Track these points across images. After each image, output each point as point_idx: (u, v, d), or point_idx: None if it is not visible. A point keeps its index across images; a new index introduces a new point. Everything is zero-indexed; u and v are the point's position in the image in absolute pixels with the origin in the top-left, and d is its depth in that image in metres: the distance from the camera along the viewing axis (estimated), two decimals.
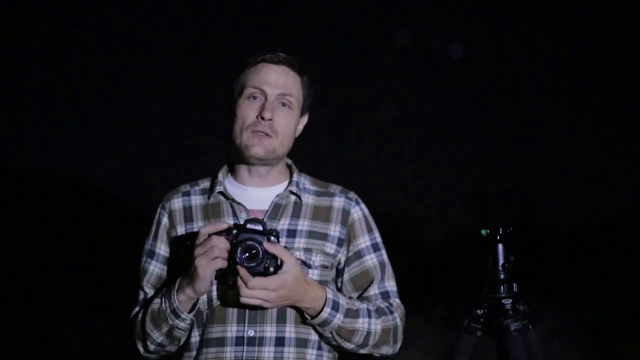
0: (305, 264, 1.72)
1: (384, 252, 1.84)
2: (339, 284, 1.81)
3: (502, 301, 2.12)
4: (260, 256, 1.56)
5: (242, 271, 1.55)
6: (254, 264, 1.56)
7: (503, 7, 8.40)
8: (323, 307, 1.65)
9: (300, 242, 1.74)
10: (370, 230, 1.83)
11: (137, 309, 1.78)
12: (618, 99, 8.61)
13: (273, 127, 1.72)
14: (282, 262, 1.58)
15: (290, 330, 1.69)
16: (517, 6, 8.40)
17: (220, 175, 1.82)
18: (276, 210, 1.77)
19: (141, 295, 1.79)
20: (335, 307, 1.66)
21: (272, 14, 7.96)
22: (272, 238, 1.60)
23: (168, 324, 1.65)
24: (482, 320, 2.14)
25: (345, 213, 1.81)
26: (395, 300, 1.80)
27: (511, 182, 8.15)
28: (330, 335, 1.69)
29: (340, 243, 1.79)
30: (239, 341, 1.67)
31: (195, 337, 1.71)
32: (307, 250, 1.74)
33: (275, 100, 1.74)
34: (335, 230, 1.78)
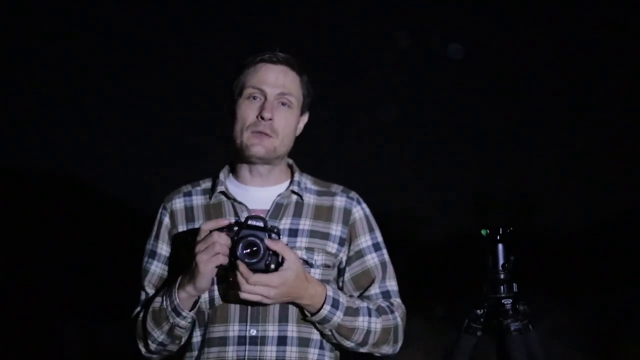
0: (307, 263, 1.72)
1: (385, 251, 1.84)
2: (340, 283, 1.81)
3: (502, 301, 2.13)
4: (261, 252, 1.56)
5: (242, 267, 1.55)
6: (254, 260, 1.56)
7: (503, 7, 8.39)
8: (323, 305, 1.65)
9: (302, 241, 1.74)
10: (371, 230, 1.83)
11: (138, 309, 1.78)
12: (618, 99, 8.60)
13: (273, 126, 1.73)
14: (283, 258, 1.58)
15: (292, 330, 1.69)
16: (517, 6, 8.39)
17: (221, 175, 1.82)
18: (278, 209, 1.77)
19: (143, 296, 1.79)
20: (335, 304, 1.67)
21: (272, 14, 7.95)
22: (274, 235, 1.60)
23: (169, 322, 1.65)
24: (482, 320, 2.14)
25: (347, 212, 1.81)
26: (396, 300, 1.81)
27: (511, 182, 8.14)
28: (329, 333, 1.70)
29: (341, 242, 1.79)
30: (241, 340, 1.67)
31: (197, 337, 1.71)
32: (309, 250, 1.74)
33: (274, 100, 1.74)
34: (336, 229, 1.79)
